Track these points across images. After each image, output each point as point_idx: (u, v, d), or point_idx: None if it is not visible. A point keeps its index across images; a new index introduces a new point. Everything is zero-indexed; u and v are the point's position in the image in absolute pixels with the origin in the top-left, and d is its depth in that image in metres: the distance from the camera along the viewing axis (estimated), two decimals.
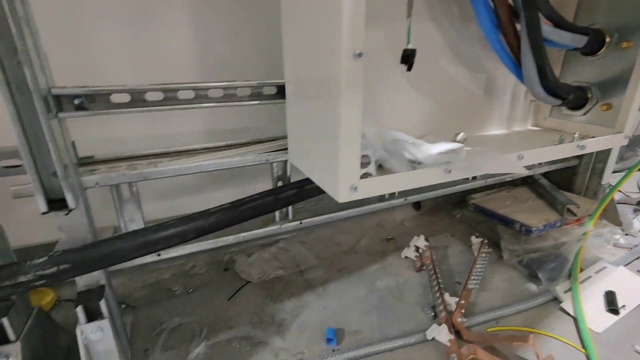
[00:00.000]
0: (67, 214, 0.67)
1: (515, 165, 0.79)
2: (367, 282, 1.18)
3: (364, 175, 0.65)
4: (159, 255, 0.86)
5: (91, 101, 0.70)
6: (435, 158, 0.70)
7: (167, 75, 1.05)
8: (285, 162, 0.96)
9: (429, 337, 0.91)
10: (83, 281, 0.76)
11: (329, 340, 0.93)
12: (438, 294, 1.03)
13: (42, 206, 0.64)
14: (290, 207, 1.02)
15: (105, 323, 0.75)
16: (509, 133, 1.16)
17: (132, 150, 0.87)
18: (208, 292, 1.13)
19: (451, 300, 1.02)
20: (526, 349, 0.90)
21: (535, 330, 0.95)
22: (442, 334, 0.89)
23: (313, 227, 1.46)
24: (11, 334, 0.68)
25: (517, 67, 0.88)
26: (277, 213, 1.01)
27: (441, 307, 0.98)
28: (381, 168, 0.71)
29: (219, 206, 0.82)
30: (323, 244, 1.39)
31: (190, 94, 0.78)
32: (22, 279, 0.63)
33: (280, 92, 0.86)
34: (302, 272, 1.22)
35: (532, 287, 1.15)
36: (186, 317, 1.02)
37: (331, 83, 0.57)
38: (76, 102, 0.67)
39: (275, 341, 0.94)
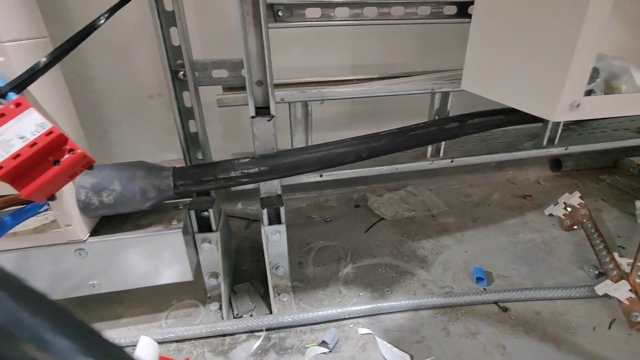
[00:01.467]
0: (269, 120, 0.74)
1: None
2: (507, 234, 1.11)
3: (587, 93, 0.57)
4: (321, 176, 0.91)
5: (289, 15, 0.73)
6: None
7: None
8: (447, 94, 0.91)
9: (600, 292, 0.83)
10: (265, 188, 0.84)
11: (478, 280, 0.91)
12: (605, 252, 0.92)
13: (252, 111, 0.70)
14: (442, 144, 0.98)
15: (282, 228, 0.83)
16: None
17: (294, 78, 0.91)
18: (344, 223, 1.18)
19: (622, 261, 0.91)
20: None
21: None
22: (619, 291, 0.80)
23: (439, 178, 1.42)
24: (213, 224, 0.79)
25: None
26: (429, 149, 0.98)
27: (611, 266, 0.88)
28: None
29: (388, 130, 0.82)
30: (451, 194, 1.34)
31: (373, 12, 0.77)
32: (232, 174, 0.71)
33: (461, 11, 0.80)
34: (434, 217, 1.20)
35: None
36: (329, 241, 1.09)
37: None
38: (280, 13, 0.71)
39: (420, 273, 0.95)
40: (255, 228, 1.16)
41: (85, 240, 0.67)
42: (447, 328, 0.78)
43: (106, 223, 0.72)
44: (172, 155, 1.06)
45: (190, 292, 0.89)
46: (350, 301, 0.86)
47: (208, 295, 0.87)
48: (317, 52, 1.16)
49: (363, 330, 0.77)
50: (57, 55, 0.54)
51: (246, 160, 0.73)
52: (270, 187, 0.84)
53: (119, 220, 0.73)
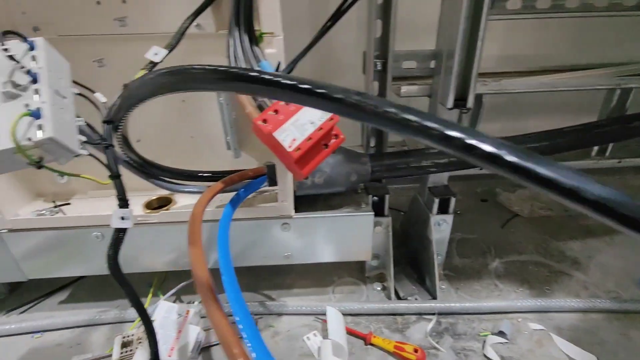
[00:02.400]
0: (465, 112, 0.75)
1: None
2: None
3: None
4: (480, 169, 0.91)
5: (490, 7, 0.72)
6: None
7: None
8: (629, 90, 0.86)
9: None
10: (434, 178, 0.86)
11: None
12: None
13: (450, 103, 0.72)
14: (610, 144, 0.93)
15: (450, 218, 0.85)
16: None
17: None
18: (476, 217, 1.17)
19: None
20: None
21: None
22: None
23: None
24: (386, 209, 0.83)
25: None
26: (595, 148, 0.93)
27: None
28: None
29: (572, 126, 0.79)
30: None
31: (575, 1, 0.74)
32: (424, 163, 0.74)
33: None
34: (573, 217, 1.15)
35: None
36: (467, 234, 1.09)
37: None
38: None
39: (577, 275, 0.92)
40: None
41: (292, 216, 0.74)
42: (628, 334, 0.76)
43: (300, 202, 0.78)
44: None
45: (348, 271, 0.95)
46: (509, 296, 0.87)
47: (367, 275, 0.92)
48: None
49: (535, 326, 0.78)
50: (307, 50, 0.60)
51: (436, 151, 0.75)
52: (439, 177, 0.86)
53: (310, 200, 0.79)
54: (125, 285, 0.50)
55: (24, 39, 0.38)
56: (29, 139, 0.35)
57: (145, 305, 0.82)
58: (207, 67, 0.33)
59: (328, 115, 0.51)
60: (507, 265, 0.97)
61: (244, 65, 0.55)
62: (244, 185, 0.69)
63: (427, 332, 0.77)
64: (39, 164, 0.37)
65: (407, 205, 1.06)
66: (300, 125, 0.50)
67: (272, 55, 0.56)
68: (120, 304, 0.86)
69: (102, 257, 0.77)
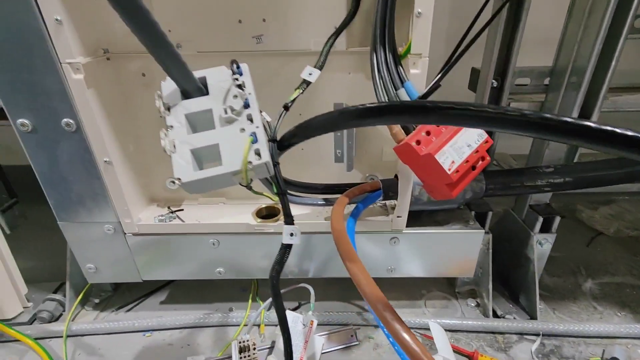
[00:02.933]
0: None
1: None
2: None
3: None
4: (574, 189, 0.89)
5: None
6: None
7: None
8: None
9: None
10: (536, 197, 0.85)
11: None
12: None
13: None
14: None
15: (552, 237, 0.83)
16: None
17: None
18: (557, 234, 1.14)
19: None
20: None
21: None
22: None
23: None
24: (487, 225, 0.82)
25: None
26: None
27: None
28: None
29: None
30: None
31: None
32: (538, 182, 0.73)
33: None
34: None
35: None
36: (551, 251, 1.06)
37: None
38: None
39: None
40: None
41: (402, 231, 0.74)
42: None
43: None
44: None
45: (435, 285, 0.94)
46: (611, 319, 0.84)
47: (457, 290, 0.91)
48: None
49: None
50: (446, 71, 0.60)
51: (551, 169, 0.74)
52: (542, 195, 0.85)
53: (413, 215, 0.79)
54: (277, 297, 0.52)
55: (237, 65, 0.40)
56: (250, 162, 0.37)
57: (247, 311, 0.85)
58: (406, 103, 0.34)
59: (484, 137, 0.52)
60: (601, 286, 0.94)
61: (389, 85, 0.56)
62: (361, 198, 0.70)
63: (533, 353, 0.76)
64: (249, 185, 0.39)
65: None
66: (458, 147, 0.50)
67: (417, 76, 0.57)
68: (219, 307, 0.89)
69: (214, 262, 0.80)
